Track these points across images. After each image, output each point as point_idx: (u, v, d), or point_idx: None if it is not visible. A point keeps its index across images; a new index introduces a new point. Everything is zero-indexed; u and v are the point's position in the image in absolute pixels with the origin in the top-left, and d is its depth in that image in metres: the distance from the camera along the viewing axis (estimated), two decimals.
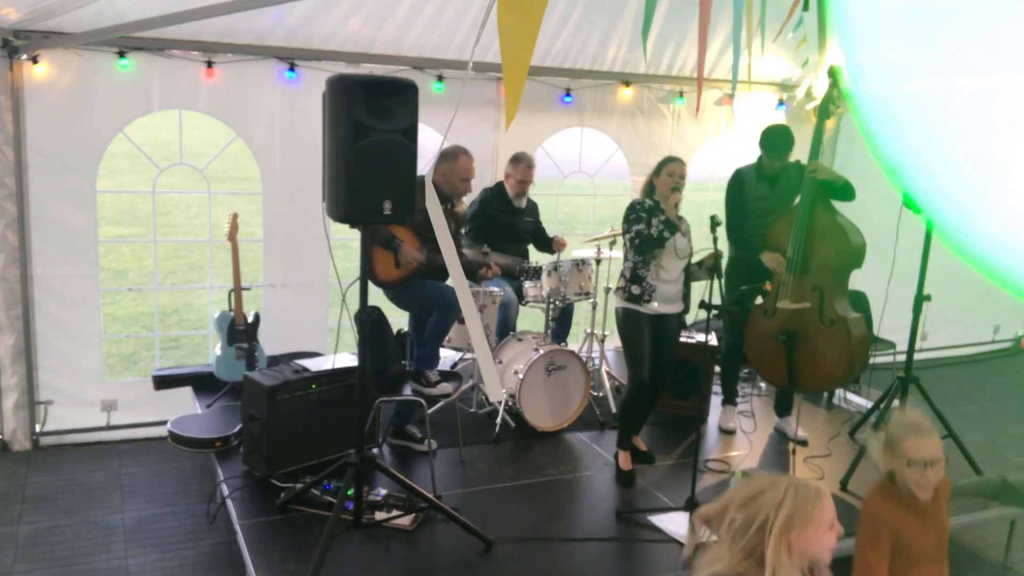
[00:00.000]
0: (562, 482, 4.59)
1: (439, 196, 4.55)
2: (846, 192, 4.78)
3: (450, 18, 5.44)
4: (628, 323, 4.59)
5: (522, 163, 5.72)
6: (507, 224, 5.73)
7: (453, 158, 4.85)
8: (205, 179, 5.91)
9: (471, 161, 4.87)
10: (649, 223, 4.43)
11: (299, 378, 4.32)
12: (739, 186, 5.20)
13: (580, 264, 5.36)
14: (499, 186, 5.83)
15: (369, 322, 4.24)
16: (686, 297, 4.67)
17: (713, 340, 5.42)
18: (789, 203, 5.12)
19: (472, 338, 2.64)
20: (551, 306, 5.36)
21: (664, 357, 4.65)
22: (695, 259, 4.68)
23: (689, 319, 6.29)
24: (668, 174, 4.50)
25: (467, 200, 5.89)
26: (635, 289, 4.53)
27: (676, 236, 4.47)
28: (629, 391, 4.72)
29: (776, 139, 5.06)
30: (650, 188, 4.57)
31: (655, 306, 4.52)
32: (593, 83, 6.38)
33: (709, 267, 4.42)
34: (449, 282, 5.05)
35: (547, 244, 5.96)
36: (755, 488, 2.24)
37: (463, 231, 5.56)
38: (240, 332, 5.21)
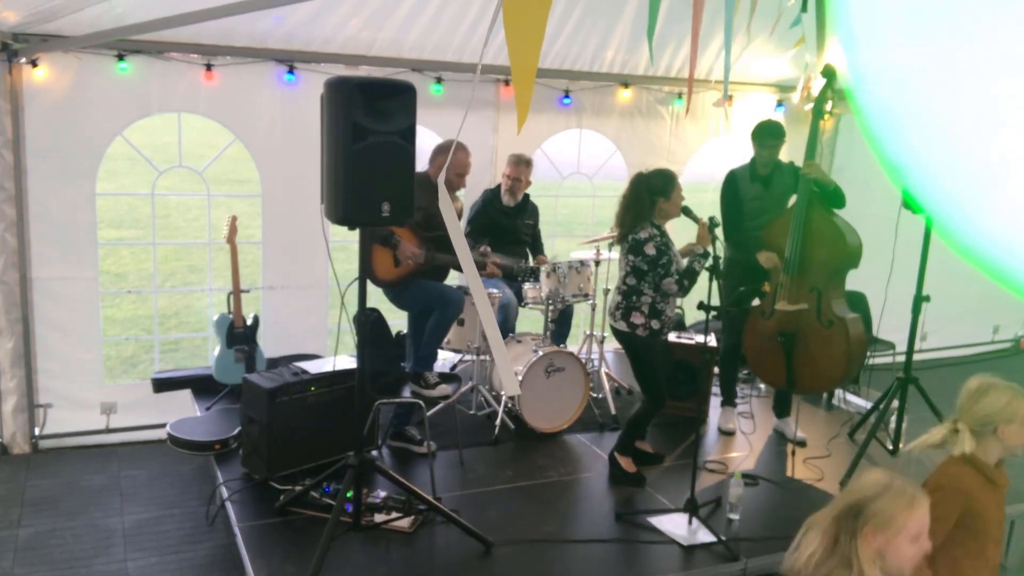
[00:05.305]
0: (561, 484, 4.58)
1: (432, 189, 4.48)
2: (836, 198, 4.79)
3: (449, 20, 5.45)
4: (644, 348, 4.51)
5: (511, 161, 5.72)
6: (507, 226, 5.73)
7: (449, 152, 4.81)
8: (204, 181, 5.91)
9: (468, 156, 4.82)
10: (672, 255, 4.38)
11: (298, 380, 4.32)
12: (733, 187, 5.21)
13: (579, 266, 5.35)
14: (499, 188, 5.84)
15: (368, 324, 4.24)
16: None
17: (712, 341, 5.42)
18: (783, 203, 5.13)
19: (486, 329, 2.63)
20: (550, 308, 5.36)
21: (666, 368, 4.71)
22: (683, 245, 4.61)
23: (688, 320, 6.29)
24: (681, 194, 4.45)
25: (467, 202, 5.90)
26: (655, 324, 4.46)
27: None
28: (645, 408, 4.62)
29: (766, 128, 5.09)
30: (650, 210, 4.40)
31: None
32: (592, 84, 6.38)
33: (707, 266, 4.38)
34: (452, 281, 5.05)
35: (540, 250, 5.97)
36: (859, 480, 2.20)
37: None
38: (239, 334, 5.20)
